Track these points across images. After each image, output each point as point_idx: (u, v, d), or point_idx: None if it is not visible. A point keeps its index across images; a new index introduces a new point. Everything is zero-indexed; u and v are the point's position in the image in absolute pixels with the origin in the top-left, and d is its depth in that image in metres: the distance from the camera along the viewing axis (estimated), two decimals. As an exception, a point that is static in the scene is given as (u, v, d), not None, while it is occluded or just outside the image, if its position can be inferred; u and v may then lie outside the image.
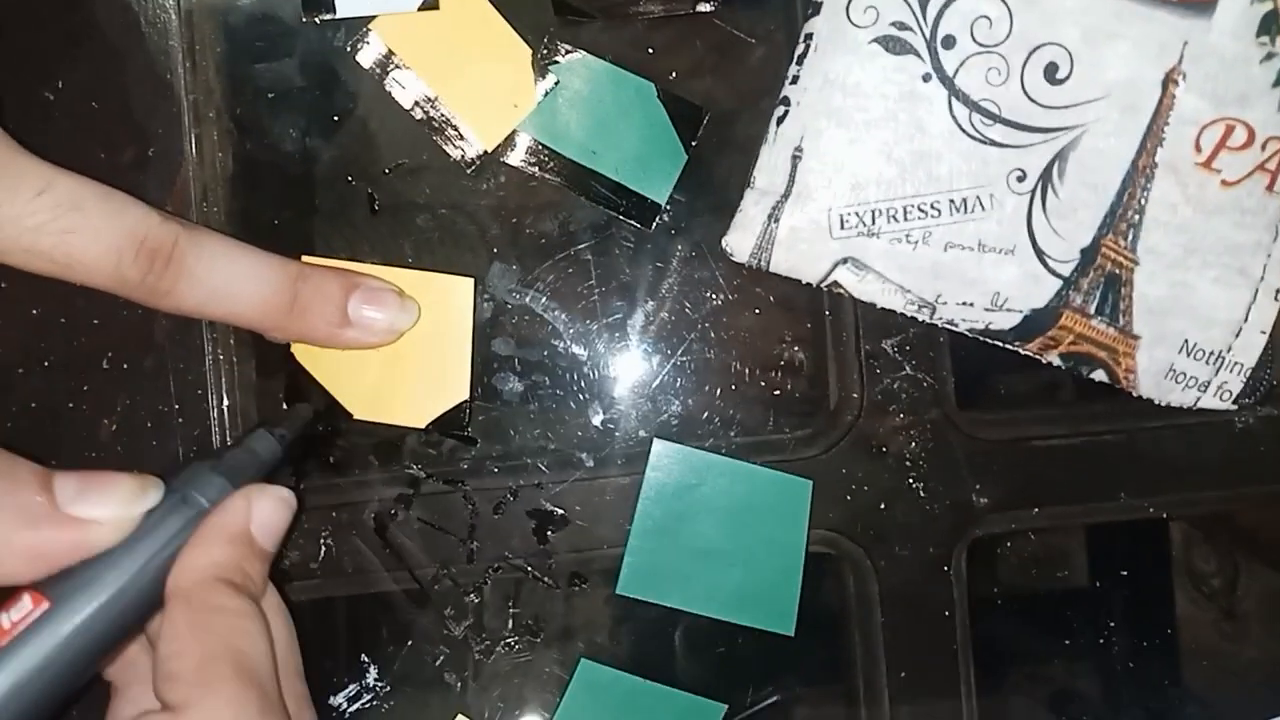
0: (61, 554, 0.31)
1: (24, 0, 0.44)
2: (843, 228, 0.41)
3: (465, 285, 0.44)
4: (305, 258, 0.44)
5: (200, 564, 0.33)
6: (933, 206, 0.41)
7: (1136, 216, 0.42)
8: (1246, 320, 0.42)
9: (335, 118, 0.45)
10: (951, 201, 0.41)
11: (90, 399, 0.44)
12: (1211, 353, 0.43)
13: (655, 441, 0.45)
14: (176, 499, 0.34)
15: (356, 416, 0.44)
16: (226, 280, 0.38)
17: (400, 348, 0.43)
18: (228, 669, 0.31)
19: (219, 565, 0.34)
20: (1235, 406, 0.44)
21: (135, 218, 0.36)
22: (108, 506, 0.31)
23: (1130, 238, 0.42)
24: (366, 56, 0.44)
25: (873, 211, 0.41)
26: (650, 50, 0.45)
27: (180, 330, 0.44)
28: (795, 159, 0.41)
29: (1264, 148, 0.42)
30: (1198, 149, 0.41)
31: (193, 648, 0.32)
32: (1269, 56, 0.41)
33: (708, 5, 0.45)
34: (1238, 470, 0.47)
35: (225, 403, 0.45)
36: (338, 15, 0.44)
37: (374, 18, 0.44)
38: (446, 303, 0.44)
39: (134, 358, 0.44)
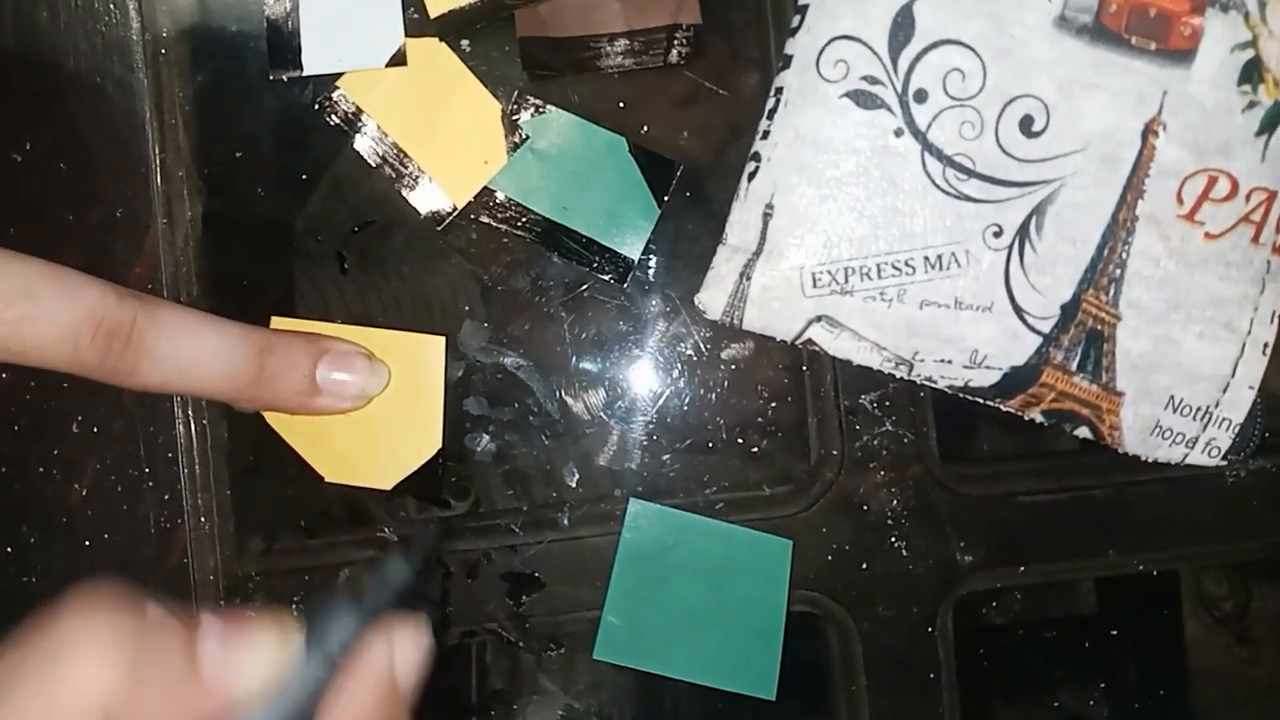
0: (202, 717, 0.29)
1: (-8, 62, 0.44)
2: (815, 286, 0.40)
3: (436, 344, 0.44)
4: (274, 319, 0.43)
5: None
6: (907, 264, 0.40)
7: (1118, 271, 0.40)
8: (1234, 375, 0.41)
9: (304, 176, 0.45)
10: (926, 258, 0.40)
11: (60, 463, 0.44)
12: (1198, 408, 0.41)
13: (631, 501, 0.44)
14: (316, 650, 0.31)
15: (327, 479, 0.43)
16: (191, 356, 0.37)
17: (371, 409, 0.43)
18: None
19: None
20: (1224, 462, 0.42)
21: (91, 299, 0.35)
22: (254, 666, 0.29)
23: (1112, 293, 0.41)
24: (334, 114, 0.44)
25: (845, 269, 0.40)
26: (621, 104, 0.45)
27: (150, 394, 0.44)
28: (766, 216, 0.41)
29: (1248, 199, 0.40)
30: (1180, 201, 0.40)
31: None
32: (1251, 105, 0.40)
33: (679, 57, 0.44)
34: (1230, 525, 0.46)
35: (196, 465, 0.44)
36: (305, 73, 0.44)
37: (341, 75, 0.44)
38: (417, 362, 0.44)
39: (104, 421, 0.44)
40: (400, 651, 0.32)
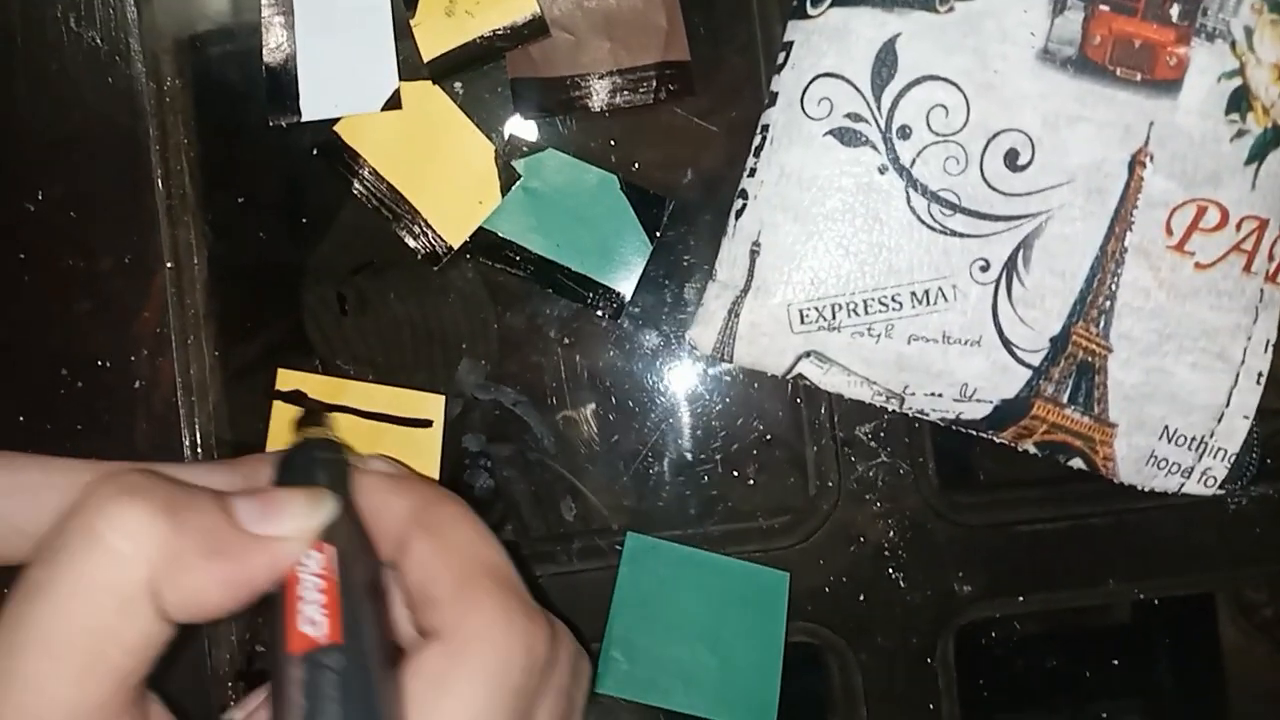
0: (258, 578, 0.29)
1: (5, 114, 0.45)
2: (803, 322, 0.40)
3: (435, 402, 0.44)
4: (281, 372, 0.44)
5: (404, 500, 0.32)
6: (894, 299, 0.40)
7: (1108, 303, 0.40)
8: (1228, 405, 0.41)
9: (304, 219, 0.46)
10: (913, 294, 0.40)
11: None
12: (1193, 438, 0.41)
13: (629, 535, 0.45)
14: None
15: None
16: None
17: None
18: (487, 580, 0.30)
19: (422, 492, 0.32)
20: (1221, 491, 0.42)
21: (55, 497, 0.33)
22: (292, 522, 0.29)
23: (1102, 325, 0.40)
24: (332, 158, 0.45)
25: (832, 306, 0.40)
26: (613, 142, 0.45)
27: (160, 434, 0.45)
28: (754, 253, 0.41)
29: (1239, 228, 0.40)
30: (1169, 232, 0.40)
31: (445, 568, 0.30)
32: (1240, 134, 0.40)
33: (668, 95, 0.44)
34: (1232, 552, 0.46)
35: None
36: (303, 119, 0.45)
37: (338, 119, 0.45)
38: (416, 417, 0.45)
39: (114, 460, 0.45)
40: (376, 465, 0.33)
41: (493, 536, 0.32)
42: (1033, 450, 0.42)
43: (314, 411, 0.41)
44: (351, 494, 0.33)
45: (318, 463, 0.33)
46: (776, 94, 0.41)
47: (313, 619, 0.28)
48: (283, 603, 0.28)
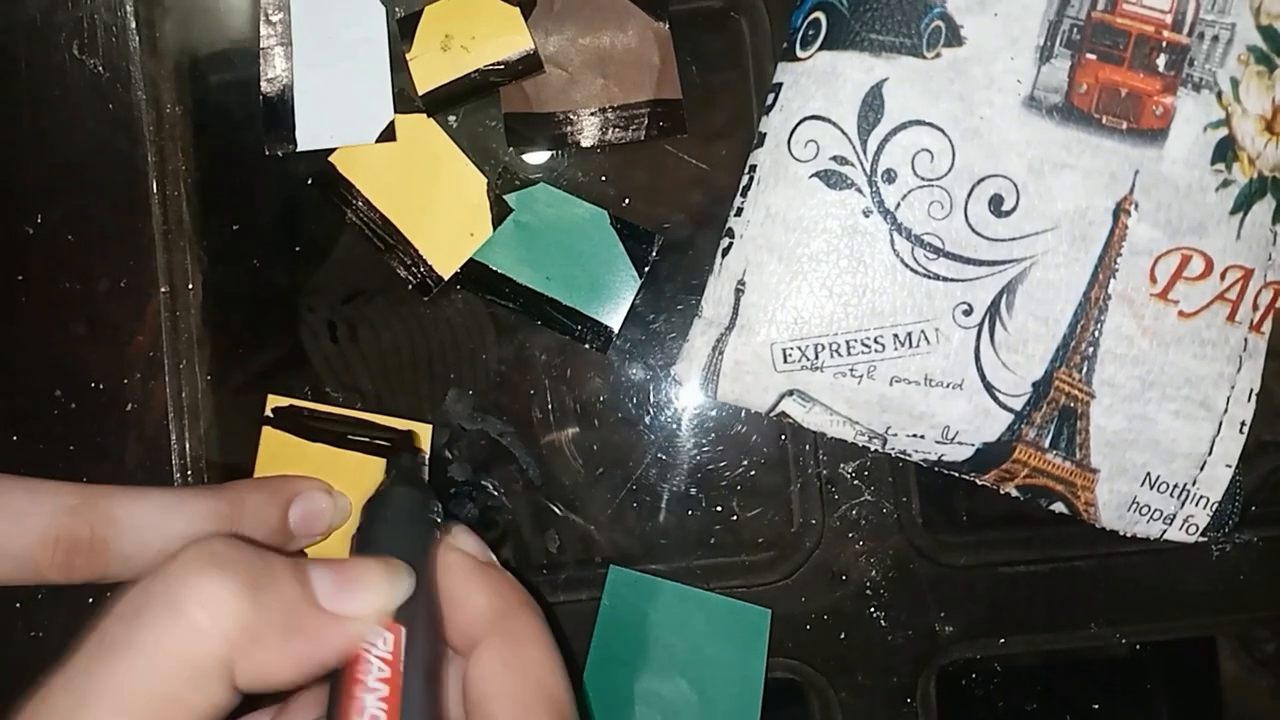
0: (330, 657, 0.29)
1: (7, 138, 0.46)
2: (786, 361, 0.41)
3: (423, 431, 0.45)
4: (270, 397, 0.45)
5: (486, 598, 0.32)
6: (876, 341, 0.40)
7: (1090, 349, 0.40)
8: (1211, 454, 0.41)
9: (297, 248, 0.46)
10: (895, 336, 0.40)
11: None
12: (1175, 485, 0.41)
13: (611, 569, 0.45)
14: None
15: (310, 556, 0.45)
16: (160, 550, 0.36)
17: (355, 491, 0.44)
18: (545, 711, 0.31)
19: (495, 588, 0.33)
20: (1203, 539, 0.42)
21: (42, 520, 0.34)
22: (369, 601, 0.29)
23: (1085, 370, 0.40)
24: (326, 187, 0.45)
25: (815, 346, 0.40)
26: (604, 177, 0.46)
27: (150, 456, 0.46)
28: (739, 292, 0.41)
29: (1223, 277, 0.40)
30: (1153, 280, 0.40)
31: (510, 689, 0.31)
32: (1225, 184, 0.40)
33: (660, 132, 0.45)
34: (1216, 598, 0.45)
35: (194, 526, 0.46)
36: (299, 148, 0.45)
37: (333, 150, 0.45)
38: (403, 445, 0.45)
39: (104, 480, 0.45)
40: (464, 544, 0.34)
41: (560, 662, 0.32)
42: (1014, 493, 0.42)
43: (407, 443, 0.43)
44: (433, 568, 0.32)
45: (405, 523, 0.33)
46: (764, 135, 0.42)
47: (373, 713, 0.28)
48: (343, 684, 0.29)
